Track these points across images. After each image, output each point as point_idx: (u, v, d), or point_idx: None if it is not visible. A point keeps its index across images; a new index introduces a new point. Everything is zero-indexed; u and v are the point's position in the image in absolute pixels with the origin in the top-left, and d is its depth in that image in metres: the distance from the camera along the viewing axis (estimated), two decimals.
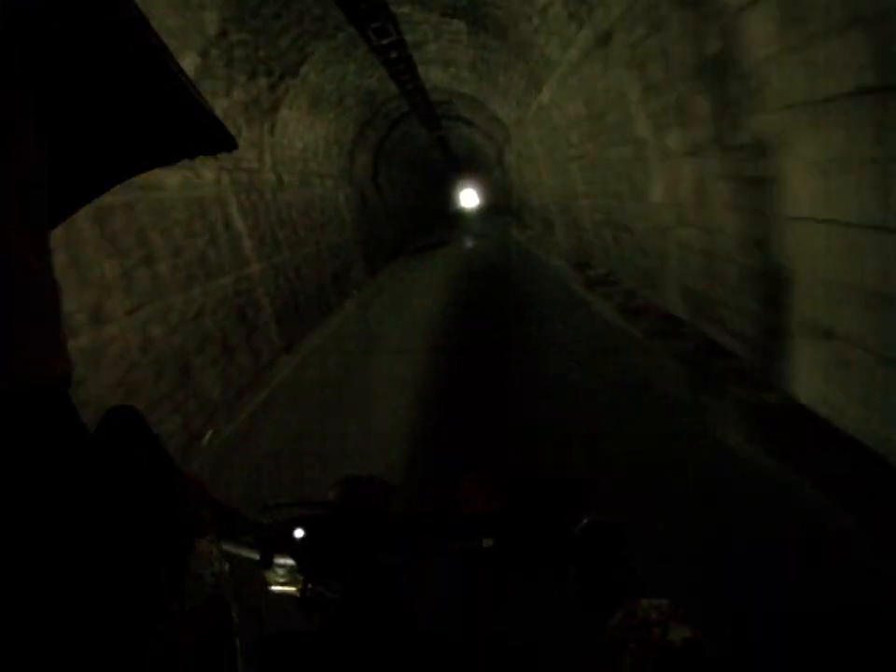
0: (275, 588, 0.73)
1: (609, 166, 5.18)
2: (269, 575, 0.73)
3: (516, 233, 13.90)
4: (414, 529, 0.74)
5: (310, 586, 0.70)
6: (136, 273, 4.41)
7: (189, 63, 5.37)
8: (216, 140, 0.54)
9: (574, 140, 6.13)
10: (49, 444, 0.32)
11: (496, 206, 25.13)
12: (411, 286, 10.00)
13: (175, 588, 0.40)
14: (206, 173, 5.77)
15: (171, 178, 5.09)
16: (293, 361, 6.33)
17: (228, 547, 0.70)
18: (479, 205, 32.12)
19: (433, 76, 11.62)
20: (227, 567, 0.51)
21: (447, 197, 32.59)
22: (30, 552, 0.29)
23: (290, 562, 0.72)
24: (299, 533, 0.72)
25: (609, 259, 5.99)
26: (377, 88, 11.18)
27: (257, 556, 0.72)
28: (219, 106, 6.20)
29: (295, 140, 8.75)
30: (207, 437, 4.58)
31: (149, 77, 0.45)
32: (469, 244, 15.75)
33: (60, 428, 0.34)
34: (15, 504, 0.29)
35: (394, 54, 9.89)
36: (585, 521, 0.64)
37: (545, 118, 7.46)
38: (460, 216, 30.20)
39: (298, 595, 0.71)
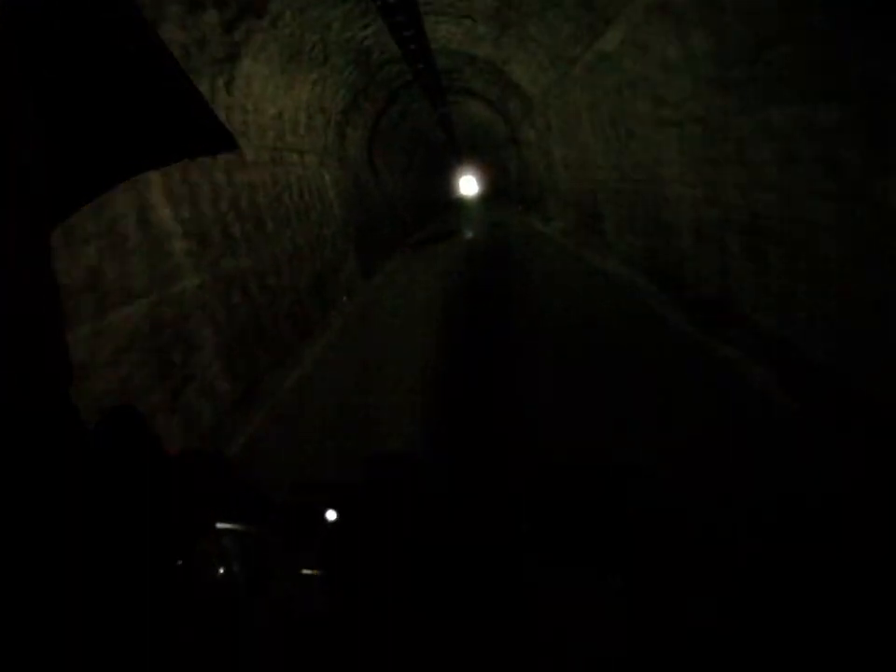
0: (305, 572, 0.67)
1: (761, 132, 3.15)
2: (298, 558, 0.69)
3: (538, 225, 11.79)
4: (448, 512, 0.72)
5: (342, 570, 0.68)
6: None
7: None
8: (215, 140, 0.55)
9: (673, 97, 4.09)
10: (49, 444, 0.33)
11: (503, 193, 22.97)
12: (416, 291, 7.97)
13: (170, 587, 0.42)
14: None
15: None
16: (248, 426, 4.32)
17: (253, 530, 0.65)
18: (480, 193, 30.04)
19: (442, 33, 9.47)
20: (236, 564, 0.54)
21: (447, 183, 30.41)
22: (30, 550, 0.30)
23: (321, 544, 0.69)
24: (331, 515, 0.70)
25: (726, 277, 3.98)
26: (373, 45, 9.04)
27: (285, 539, 0.70)
28: None
29: (264, 104, 6.66)
30: None
31: (149, 76, 0.47)
32: (479, 236, 13.70)
33: (60, 428, 0.35)
34: (15, 503, 0.30)
35: None
36: (635, 510, 0.62)
37: (607, 70, 5.41)
38: (462, 203, 28.08)
39: (329, 579, 0.67)
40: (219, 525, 0.62)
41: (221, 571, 0.55)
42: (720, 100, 3.49)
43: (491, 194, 27.15)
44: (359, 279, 8.88)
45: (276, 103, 6.98)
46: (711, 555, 1.78)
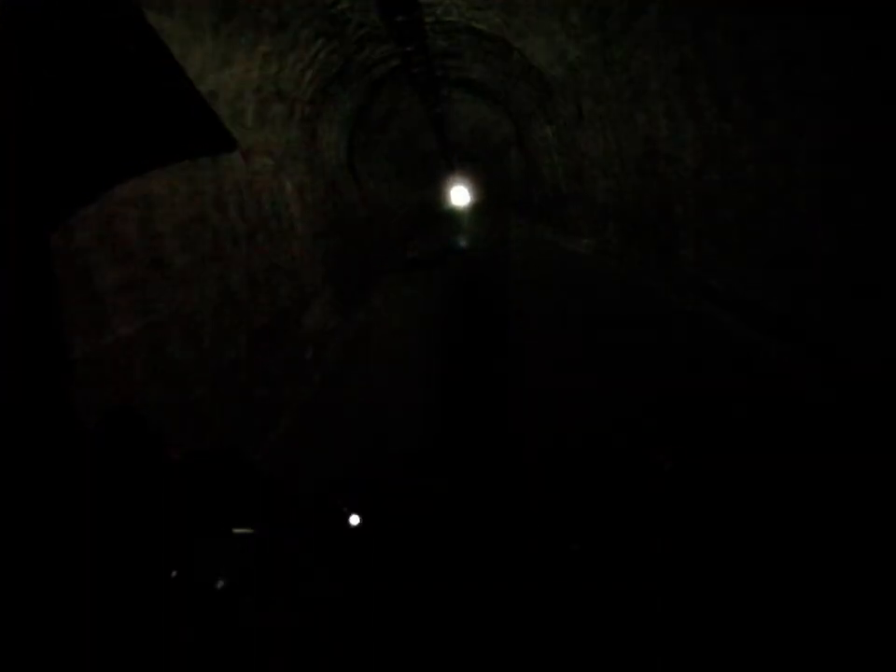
0: (324, 574, 0.67)
1: None
2: (318, 561, 0.68)
3: (559, 241, 9.65)
4: (471, 517, 0.81)
5: (362, 578, 0.67)
6: None
7: None
8: (216, 140, 0.60)
9: None
10: (48, 443, 0.38)
11: (502, 203, 20.92)
12: (409, 340, 5.83)
13: (165, 591, 0.43)
14: None
15: None
16: None
17: (266, 533, 0.64)
18: (476, 203, 28.08)
19: None
20: (243, 568, 0.55)
21: (439, 193, 28.40)
22: (26, 548, 0.31)
23: (343, 549, 0.69)
24: (354, 520, 0.69)
25: None
26: (349, 11, 6.95)
27: (309, 543, 0.70)
28: None
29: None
30: None
31: (149, 76, 0.59)
32: (483, 255, 11.57)
33: (59, 428, 0.40)
34: (14, 501, 0.32)
35: None
36: (671, 462, 0.66)
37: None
38: (456, 215, 26.09)
39: (348, 583, 0.67)
40: (235, 531, 0.60)
41: (223, 574, 0.51)
42: None
43: (488, 204, 25.17)
44: (334, 319, 6.70)
45: (205, 79, 4.83)
46: None
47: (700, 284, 4.63)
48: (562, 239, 9.51)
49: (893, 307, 2.67)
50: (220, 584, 0.51)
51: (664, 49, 4.29)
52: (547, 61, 7.29)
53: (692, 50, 3.97)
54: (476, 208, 26.47)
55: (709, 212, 4.25)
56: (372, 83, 9.94)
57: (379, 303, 8.28)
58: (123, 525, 0.40)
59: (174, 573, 0.45)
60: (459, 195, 29.28)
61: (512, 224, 15.55)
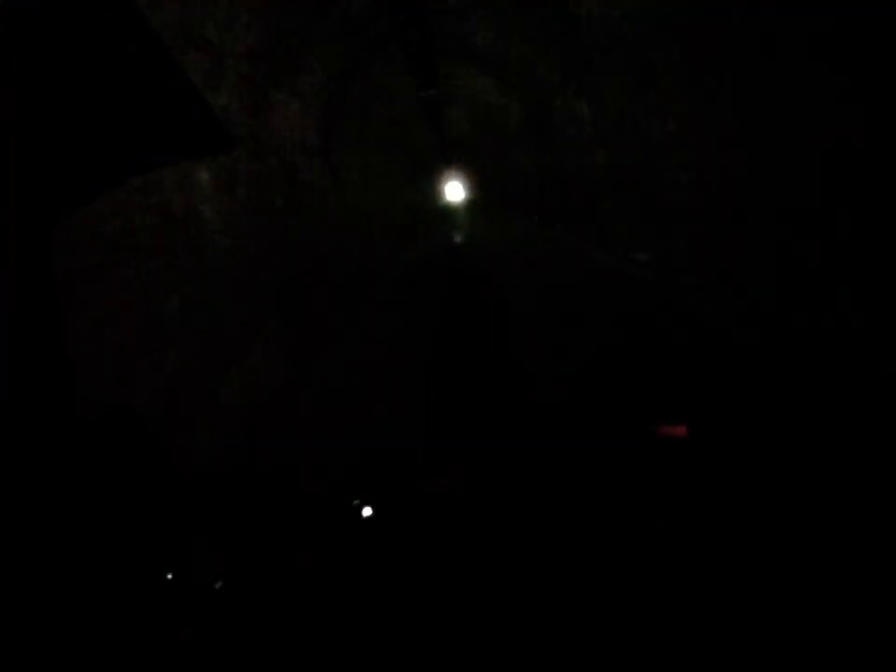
0: (324, 573, 0.59)
1: None
2: (327, 559, 0.55)
3: (594, 253, 7.52)
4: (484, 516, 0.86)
5: (374, 578, 0.74)
6: None
7: None
8: (214, 139, 0.70)
9: None
10: (48, 444, 0.52)
11: (507, 200, 18.76)
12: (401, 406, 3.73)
13: (164, 585, 0.65)
14: None
15: None
16: None
17: (271, 532, 0.76)
18: (475, 200, 26.01)
19: None
20: (243, 565, 0.73)
21: (433, 189, 26.28)
22: (27, 547, 0.48)
23: (354, 543, 0.55)
24: (367, 512, 0.57)
25: None
26: None
27: (315, 537, 0.75)
28: None
29: None
30: None
31: (149, 76, 0.58)
32: (494, 271, 9.44)
33: (57, 427, 0.53)
34: (14, 504, 0.46)
35: None
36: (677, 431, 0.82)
37: None
38: (452, 214, 24.00)
39: (348, 583, 0.72)
40: (239, 527, 0.77)
41: (221, 575, 0.63)
42: None
43: (489, 202, 23.03)
44: (274, 380, 4.56)
45: None
46: None
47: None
48: (604, 251, 7.36)
49: None
50: (220, 584, 0.36)
51: None
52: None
53: None
54: (477, 207, 24.37)
55: None
56: (356, 50, 7.78)
57: (351, 349, 6.13)
58: (123, 523, 0.25)
59: (173, 573, 0.30)
60: (458, 191, 27.25)
61: (523, 227, 13.49)
